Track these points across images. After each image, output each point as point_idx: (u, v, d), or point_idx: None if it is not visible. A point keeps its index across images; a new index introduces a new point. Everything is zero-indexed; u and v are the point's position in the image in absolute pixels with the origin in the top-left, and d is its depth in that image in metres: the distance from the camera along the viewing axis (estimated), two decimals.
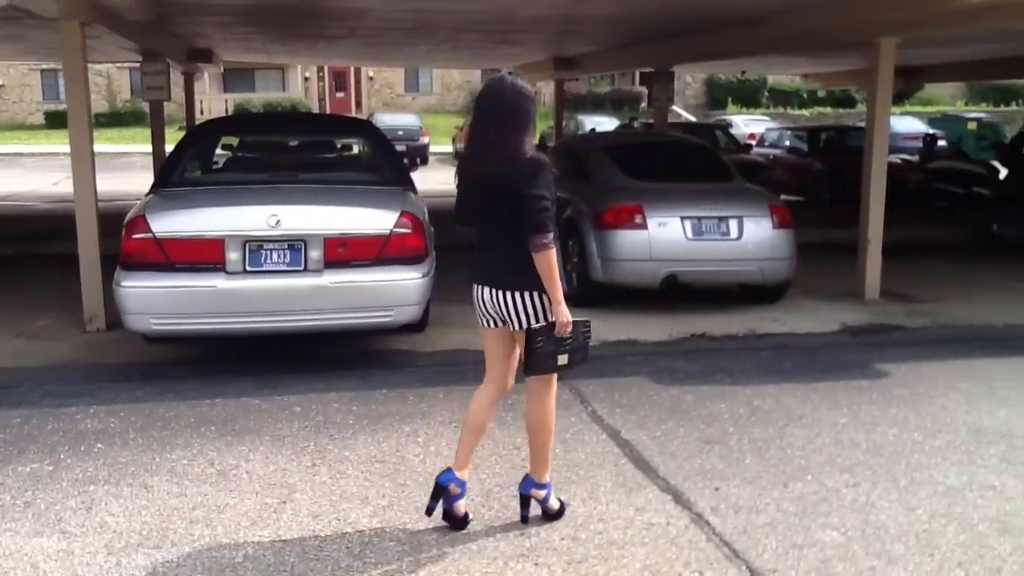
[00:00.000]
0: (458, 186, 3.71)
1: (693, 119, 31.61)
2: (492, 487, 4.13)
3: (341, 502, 3.97)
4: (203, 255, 5.65)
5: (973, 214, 13.13)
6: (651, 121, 16.72)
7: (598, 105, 39.22)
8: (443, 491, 3.66)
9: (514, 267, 3.52)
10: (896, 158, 16.80)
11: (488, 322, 3.70)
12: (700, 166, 8.69)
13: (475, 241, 3.73)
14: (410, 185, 6.87)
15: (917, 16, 7.42)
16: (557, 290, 3.47)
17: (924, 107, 36.66)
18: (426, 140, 28.41)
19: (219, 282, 5.59)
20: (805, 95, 39.30)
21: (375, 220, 5.92)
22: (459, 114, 39.19)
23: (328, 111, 37.85)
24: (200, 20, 11.18)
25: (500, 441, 4.70)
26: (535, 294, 3.52)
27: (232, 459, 4.46)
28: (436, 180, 22.00)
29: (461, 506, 3.72)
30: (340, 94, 41.53)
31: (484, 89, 3.59)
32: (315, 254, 5.72)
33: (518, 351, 3.66)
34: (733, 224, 7.56)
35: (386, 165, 7.20)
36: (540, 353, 3.50)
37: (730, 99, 39.41)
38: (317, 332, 5.96)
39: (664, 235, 7.49)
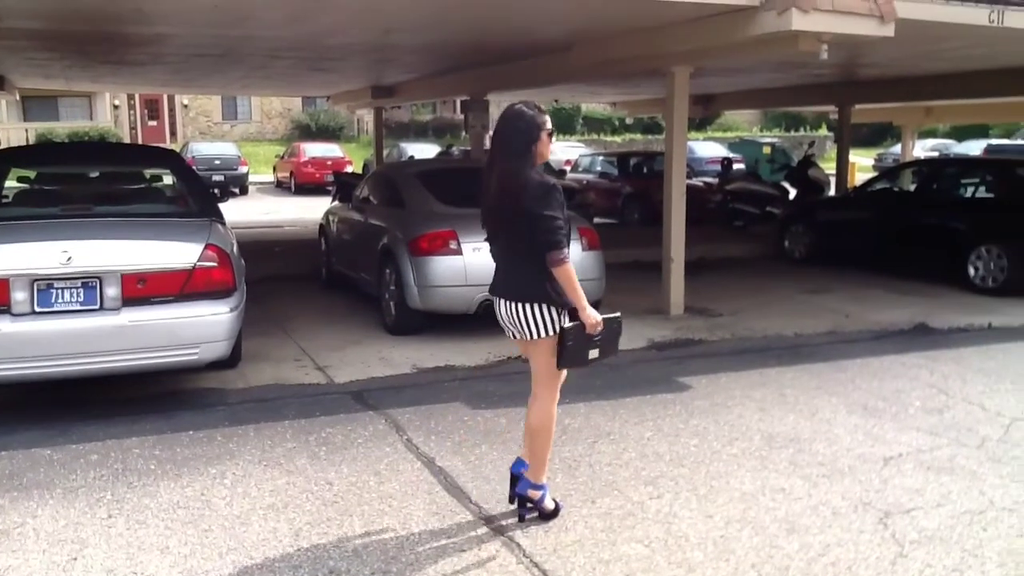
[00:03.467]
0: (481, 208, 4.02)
1: None
2: (302, 526, 4.02)
3: (139, 554, 3.76)
4: None
5: (767, 232, 14.08)
6: (469, 148, 16.97)
7: (420, 132, 39.50)
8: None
9: (524, 281, 3.83)
10: (698, 181, 17.85)
11: (509, 334, 3.99)
12: None
13: (495, 258, 4.07)
14: (217, 216, 6.64)
15: (705, 47, 7.90)
16: (580, 297, 3.77)
17: (724, 133, 39.09)
18: (245, 169, 27.59)
19: (4, 325, 5.20)
20: (617, 122, 41.00)
21: (177, 254, 5.68)
22: (280, 142, 38.37)
23: (140, 141, 36.07)
24: None
25: (312, 478, 4.59)
26: (543, 306, 3.81)
27: (17, 516, 4.13)
28: (256, 210, 21.45)
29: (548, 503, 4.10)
30: (153, 123, 39.71)
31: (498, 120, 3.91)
32: (112, 291, 5.43)
33: (534, 360, 3.98)
34: None
35: (190, 196, 6.92)
36: (571, 349, 3.83)
37: None
38: (117, 374, 5.63)
39: (479, 260, 7.54)
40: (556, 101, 34.83)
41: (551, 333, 3.84)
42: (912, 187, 11.99)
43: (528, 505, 4.06)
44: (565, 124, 41.13)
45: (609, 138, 39.53)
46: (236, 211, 18.99)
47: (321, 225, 10.81)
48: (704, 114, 24.90)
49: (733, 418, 5.57)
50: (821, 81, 15.28)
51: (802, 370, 6.71)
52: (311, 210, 18.51)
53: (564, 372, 4.07)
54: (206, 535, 3.93)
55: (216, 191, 18.16)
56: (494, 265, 4.09)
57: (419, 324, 7.86)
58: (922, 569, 3.64)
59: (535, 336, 3.86)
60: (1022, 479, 4.58)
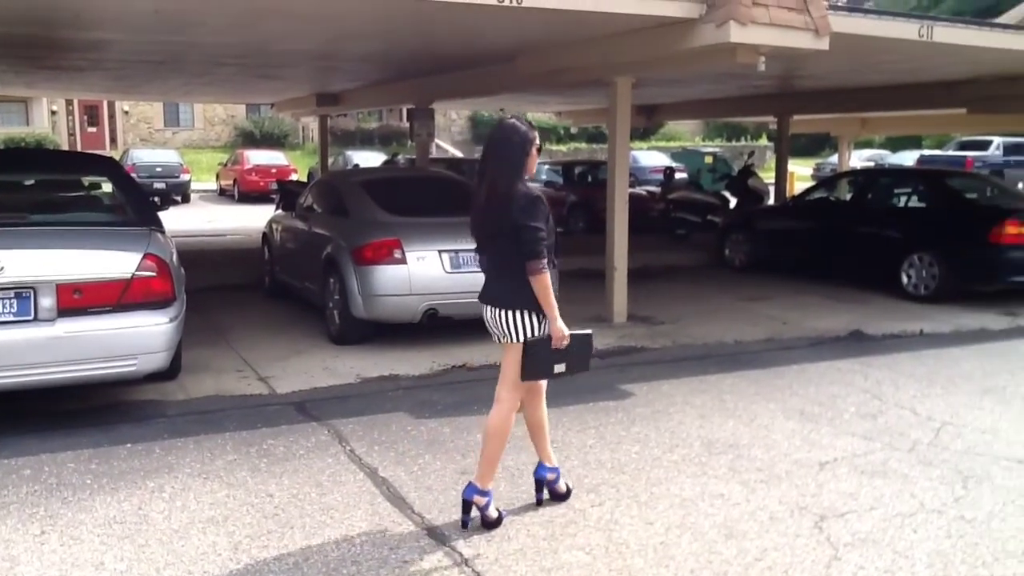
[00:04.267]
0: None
1: (459, 154, 32.32)
2: (242, 539, 3.98)
3: (73, 570, 3.69)
4: None
5: (708, 241, 14.30)
6: (415, 157, 16.97)
7: (366, 140, 39.33)
8: (470, 505, 4.08)
9: (509, 289, 3.97)
10: (642, 190, 18.06)
11: (495, 337, 4.12)
12: (456, 200, 8.82)
13: (483, 266, 4.19)
14: (156, 225, 6.54)
15: (647, 58, 8.03)
16: (552, 308, 3.93)
17: (668, 142, 39.59)
18: (187, 177, 27.16)
19: None
20: (563, 131, 41.27)
21: (115, 263, 5.59)
22: (224, 149, 37.87)
23: (79, 147, 35.29)
24: None
25: (253, 490, 4.55)
26: (527, 312, 3.95)
27: None
28: (198, 219, 21.14)
29: (491, 512, 4.10)
30: (92, 129, 38.96)
31: (488, 134, 4.13)
32: (47, 302, 5.32)
33: (505, 362, 4.11)
34: None
35: (129, 204, 6.80)
36: (535, 362, 3.97)
37: None
38: (53, 386, 5.51)
39: (423, 269, 7.59)
40: (502, 110, 34.94)
41: (536, 335, 3.98)
42: (848, 197, 12.28)
43: (472, 512, 4.10)
44: None
45: (555, 147, 39.71)
46: (177, 219, 18.72)
47: (264, 234, 10.70)
48: (647, 124, 25.19)
49: (674, 425, 5.65)
50: (760, 92, 15.58)
51: (741, 376, 6.83)
52: (255, 218, 18.31)
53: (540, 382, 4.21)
54: (143, 550, 3.87)
55: (157, 199, 17.84)
56: (482, 275, 4.20)
57: (363, 333, 7.83)
58: (855, 571, 3.72)
59: (514, 340, 4.00)
60: (951, 481, 4.72)
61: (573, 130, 39.35)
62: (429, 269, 7.59)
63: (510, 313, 3.96)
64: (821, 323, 8.86)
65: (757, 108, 17.55)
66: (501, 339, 4.07)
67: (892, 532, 4.10)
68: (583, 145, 39.88)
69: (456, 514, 4.21)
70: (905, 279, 10.30)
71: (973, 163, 25.24)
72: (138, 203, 6.84)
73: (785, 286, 11.05)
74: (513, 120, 4.04)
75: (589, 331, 4.12)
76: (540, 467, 4.38)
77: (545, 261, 3.88)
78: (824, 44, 7.21)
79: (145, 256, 5.65)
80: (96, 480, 4.67)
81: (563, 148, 39.34)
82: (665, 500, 4.46)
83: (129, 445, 5.21)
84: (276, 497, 4.44)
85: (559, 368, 4.04)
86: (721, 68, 8.49)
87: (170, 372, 6.11)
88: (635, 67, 8.59)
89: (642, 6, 6.91)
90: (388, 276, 7.54)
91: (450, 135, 40.56)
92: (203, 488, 4.57)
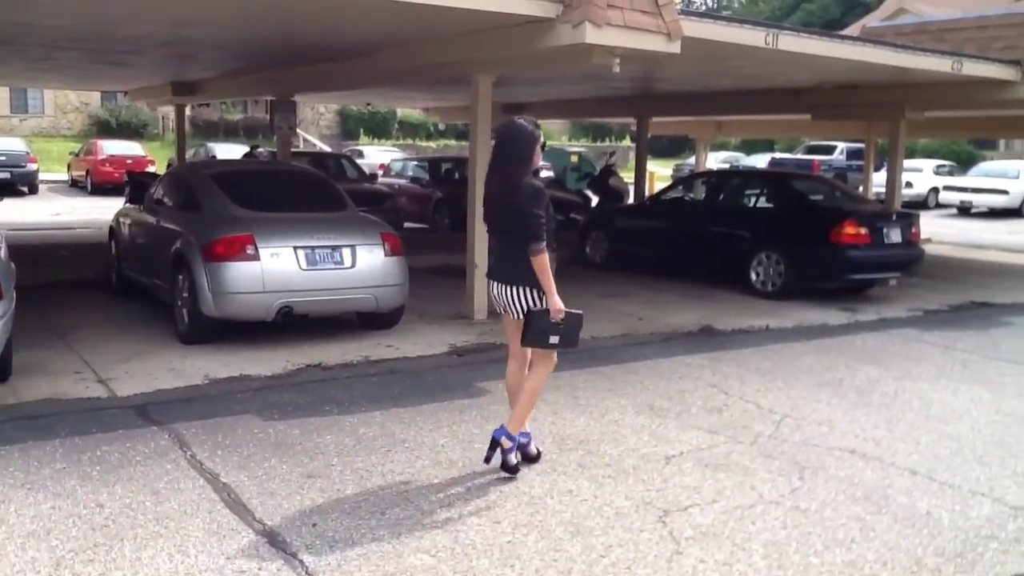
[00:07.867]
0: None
1: (328, 148, 31.72)
2: (65, 554, 3.74)
3: None
4: None
5: (570, 238, 14.49)
6: (275, 150, 16.52)
7: (231, 132, 38.09)
8: (497, 444, 4.67)
9: (514, 267, 4.56)
10: None
11: (499, 309, 4.77)
12: (314, 195, 8.67)
13: (491, 246, 4.86)
14: None
15: (506, 56, 8.06)
16: (550, 284, 4.50)
17: None
18: (34, 167, 25.57)
19: None
20: (432, 128, 41.14)
21: None
22: (77, 138, 35.85)
23: None
24: None
25: (81, 500, 4.28)
26: (529, 288, 4.54)
27: None
28: (44, 211, 19.94)
29: (532, 448, 4.93)
30: None
31: (496, 131, 4.79)
32: None
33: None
34: (347, 253, 7.63)
35: None
36: (535, 331, 4.51)
37: (362, 130, 40.16)
38: None
39: (277, 266, 7.37)
40: (369, 104, 34.55)
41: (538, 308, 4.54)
42: (702, 197, 12.70)
43: (498, 450, 4.68)
44: (380, 128, 40.91)
45: (424, 143, 39.57)
46: (19, 211, 17.65)
47: (111, 228, 10.18)
48: None
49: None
50: (621, 94, 15.92)
51: (595, 373, 6.93)
52: (107, 211, 17.36)
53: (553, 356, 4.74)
54: None
55: None
56: (491, 254, 4.84)
57: (214, 332, 7.54)
58: (695, 564, 3.81)
59: (518, 314, 4.61)
60: (788, 473, 4.91)
61: (441, 127, 39.31)
62: (284, 266, 7.38)
63: (514, 289, 4.56)
64: (674, 319, 9.11)
65: (618, 109, 17.95)
66: (505, 311, 4.69)
67: (732, 524, 4.22)
68: (452, 142, 39.84)
69: (301, 521, 4.10)
70: (754, 276, 10.72)
71: (819, 166, 26.59)
72: None
73: (642, 283, 11.32)
74: (522, 121, 4.61)
75: (580, 312, 4.60)
76: (502, 428, 4.70)
77: (544, 244, 4.44)
78: (676, 48, 7.40)
79: None
80: None
81: (433, 144, 39.22)
82: (514, 498, 4.46)
83: None
84: (107, 507, 4.20)
85: (554, 340, 4.54)
86: (579, 68, 8.60)
87: None
88: (496, 65, 8.60)
89: (500, 4, 6.92)
90: (240, 273, 7.28)
91: (318, 129, 39.78)
92: (25, 499, 4.27)
